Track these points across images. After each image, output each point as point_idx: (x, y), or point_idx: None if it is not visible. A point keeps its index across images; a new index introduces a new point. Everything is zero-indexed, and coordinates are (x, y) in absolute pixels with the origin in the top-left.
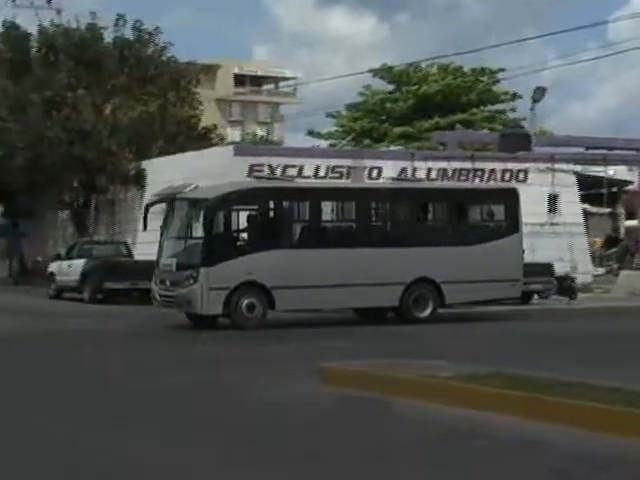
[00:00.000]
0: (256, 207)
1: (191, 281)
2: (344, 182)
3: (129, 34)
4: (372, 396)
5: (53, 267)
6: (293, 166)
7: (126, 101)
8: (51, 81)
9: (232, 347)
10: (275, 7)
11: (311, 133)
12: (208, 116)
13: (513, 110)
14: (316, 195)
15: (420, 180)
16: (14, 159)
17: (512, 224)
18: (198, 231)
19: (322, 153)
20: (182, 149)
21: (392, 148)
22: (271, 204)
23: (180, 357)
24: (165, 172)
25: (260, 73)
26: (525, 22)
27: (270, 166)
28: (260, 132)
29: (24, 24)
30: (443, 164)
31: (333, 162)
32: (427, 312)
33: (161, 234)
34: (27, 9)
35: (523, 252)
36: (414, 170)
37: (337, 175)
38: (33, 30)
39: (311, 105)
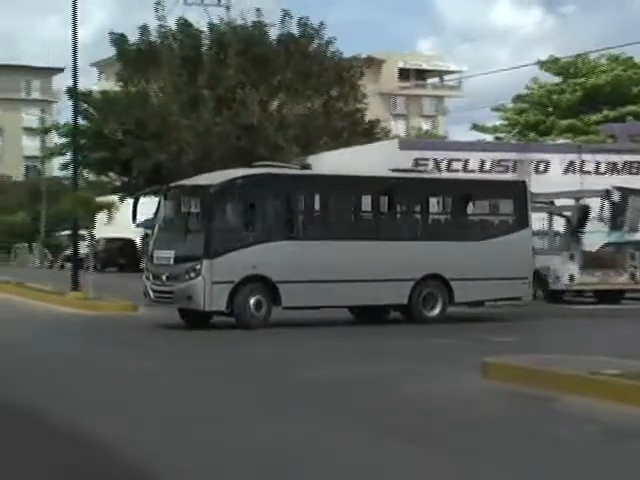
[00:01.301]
0: (262, 195)
1: (192, 274)
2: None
3: (294, 30)
4: (536, 392)
5: None
6: (458, 160)
7: (291, 97)
8: (221, 78)
9: (376, 342)
10: (440, 0)
11: (476, 127)
12: (372, 111)
13: None
14: (324, 184)
15: (429, 171)
16: (185, 154)
17: (521, 218)
18: (199, 221)
19: (487, 147)
20: (347, 144)
21: (559, 141)
22: (277, 192)
23: (337, 350)
24: (331, 166)
25: (425, 67)
26: None
27: (435, 160)
28: (425, 126)
29: (196, 21)
30: (613, 157)
31: (499, 156)
32: (436, 311)
33: (153, 226)
34: (197, 7)
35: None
36: (582, 163)
37: (502, 169)
38: (203, 27)
39: (476, 98)
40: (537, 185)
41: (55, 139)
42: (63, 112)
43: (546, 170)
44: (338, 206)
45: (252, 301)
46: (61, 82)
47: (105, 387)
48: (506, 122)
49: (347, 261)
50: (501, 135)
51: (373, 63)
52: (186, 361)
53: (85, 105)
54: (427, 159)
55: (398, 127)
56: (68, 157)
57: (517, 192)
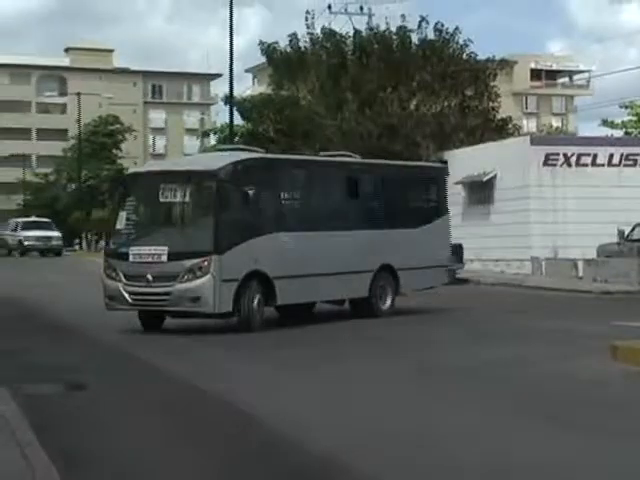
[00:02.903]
0: (260, 181)
1: (199, 273)
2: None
3: (431, 35)
4: None
5: None
6: (587, 154)
7: (428, 97)
8: (364, 82)
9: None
10: (570, 3)
11: (605, 123)
12: (505, 109)
13: None
14: (308, 169)
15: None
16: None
17: (443, 204)
18: (201, 210)
19: (615, 142)
20: (481, 140)
21: None
22: (273, 178)
23: (467, 333)
24: (465, 162)
25: (555, 67)
26: None
27: (565, 155)
28: (555, 123)
29: (339, 28)
30: None
31: (627, 150)
32: (388, 303)
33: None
34: (342, 15)
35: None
36: None
37: (630, 162)
38: (347, 34)
39: (605, 96)
40: None
41: (212, 140)
42: (220, 114)
43: None
44: (320, 193)
45: (256, 300)
46: (219, 87)
47: (252, 364)
48: (635, 118)
49: (332, 252)
50: (630, 130)
51: (506, 65)
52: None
53: (243, 106)
54: (557, 154)
55: (530, 125)
56: None
57: (440, 176)
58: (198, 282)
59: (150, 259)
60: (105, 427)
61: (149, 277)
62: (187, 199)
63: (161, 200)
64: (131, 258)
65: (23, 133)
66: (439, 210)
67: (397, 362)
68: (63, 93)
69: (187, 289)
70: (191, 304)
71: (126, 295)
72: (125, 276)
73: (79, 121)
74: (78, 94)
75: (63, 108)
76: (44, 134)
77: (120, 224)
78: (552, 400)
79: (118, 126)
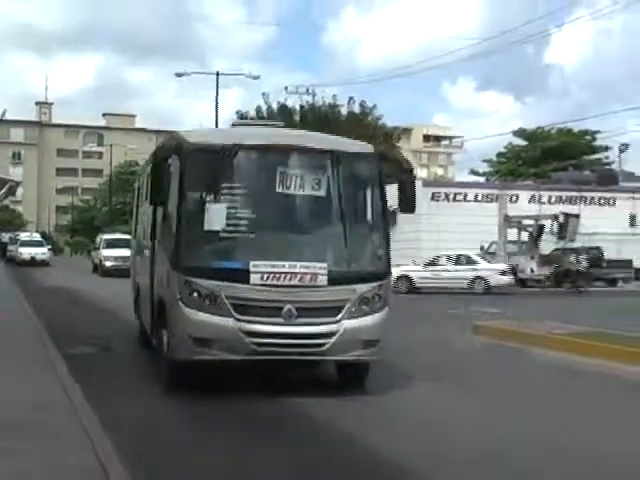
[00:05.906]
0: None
1: (375, 305)
2: None
3: (357, 108)
4: (513, 346)
5: None
6: (460, 193)
7: None
8: None
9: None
10: (449, 90)
11: (472, 172)
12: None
13: (607, 157)
14: None
15: None
16: None
17: None
18: (355, 211)
19: (479, 185)
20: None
21: (526, 182)
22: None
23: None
24: None
25: (440, 133)
26: (615, 99)
27: (446, 193)
28: (439, 172)
29: (292, 103)
30: (559, 193)
31: (487, 191)
32: None
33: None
34: (294, 94)
35: None
36: (540, 196)
37: (489, 200)
38: (296, 107)
39: (473, 154)
40: (511, 210)
41: None
42: None
43: (517, 201)
44: None
45: None
46: None
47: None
48: (492, 169)
49: None
50: (489, 178)
51: (407, 131)
52: None
53: None
54: (440, 193)
55: (422, 172)
56: None
57: None
58: (375, 318)
59: (296, 281)
60: (121, 373)
61: (291, 309)
62: (335, 191)
63: (281, 190)
64: (256, 279)
65: (72, 172)
66: None
67: None
68: (100, 145)
69: (361, 328)
70: (363, 351)
71: (245, 337)
72: (240, 308)
73: (111, 164)
74: (111, 145)
75: (100, 155)
76: (87, 173)
77: (216, 224)
78: (433, 366)
79: (138, 168)
